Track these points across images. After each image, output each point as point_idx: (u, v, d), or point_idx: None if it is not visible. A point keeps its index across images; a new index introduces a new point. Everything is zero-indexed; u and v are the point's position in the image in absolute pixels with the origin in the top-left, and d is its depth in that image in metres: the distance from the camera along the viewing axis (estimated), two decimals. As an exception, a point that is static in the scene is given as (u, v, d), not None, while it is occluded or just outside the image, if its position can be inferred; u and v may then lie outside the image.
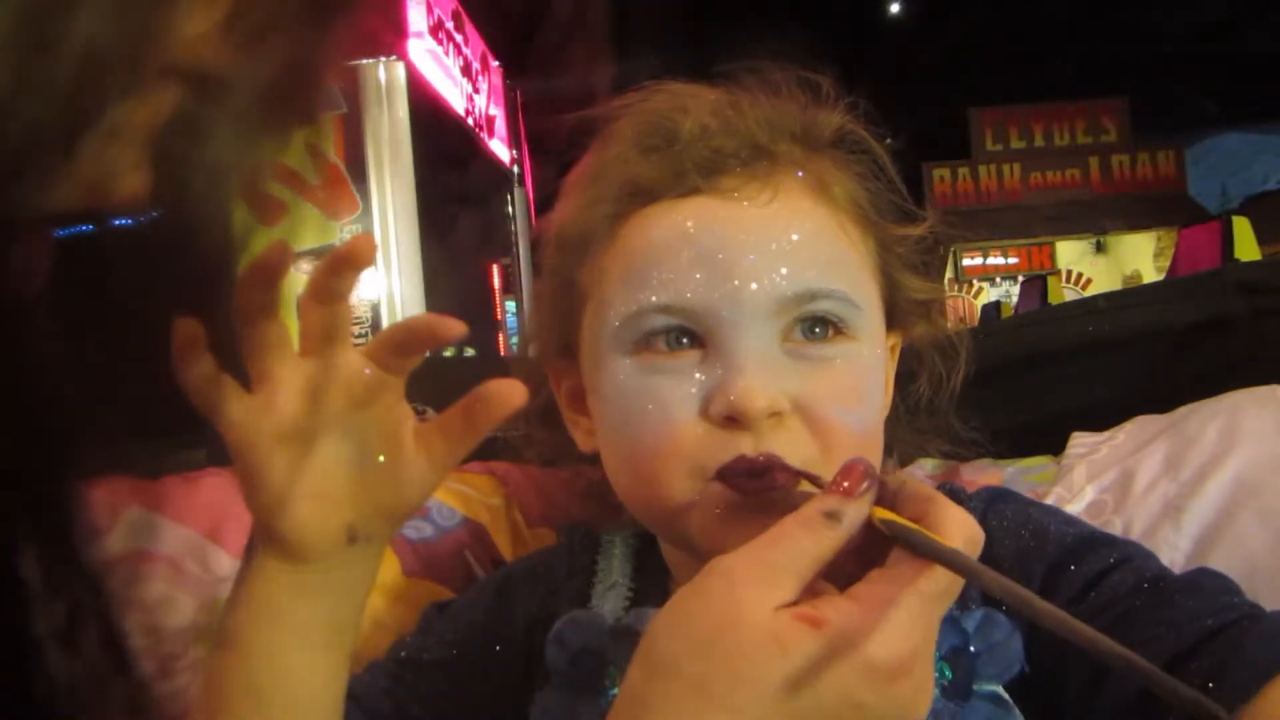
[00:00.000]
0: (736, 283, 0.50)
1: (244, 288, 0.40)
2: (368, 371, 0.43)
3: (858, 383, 0.51)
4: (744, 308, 0.49)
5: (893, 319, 0.58)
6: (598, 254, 0.55)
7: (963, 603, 0.51)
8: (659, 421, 0.50)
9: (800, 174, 0.54)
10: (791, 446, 0.49)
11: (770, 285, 0.50)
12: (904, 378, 0.62)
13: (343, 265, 0.41)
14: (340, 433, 0.43)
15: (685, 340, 0.51)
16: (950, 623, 0.48)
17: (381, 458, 0.43)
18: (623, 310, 0.52)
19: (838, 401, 0.50)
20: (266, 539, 0.43)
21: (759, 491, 0.48)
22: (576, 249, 0.56)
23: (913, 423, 0.64)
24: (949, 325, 0.63)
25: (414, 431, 0.44)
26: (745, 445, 0.48)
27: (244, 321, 0.41)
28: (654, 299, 0.51)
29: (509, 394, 0.42)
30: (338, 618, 0.45)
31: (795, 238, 0.51)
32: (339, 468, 0.43)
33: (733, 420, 0.48)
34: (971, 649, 0.48)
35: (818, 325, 0.51)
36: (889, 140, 0.59)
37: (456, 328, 0.41)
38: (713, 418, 0.49)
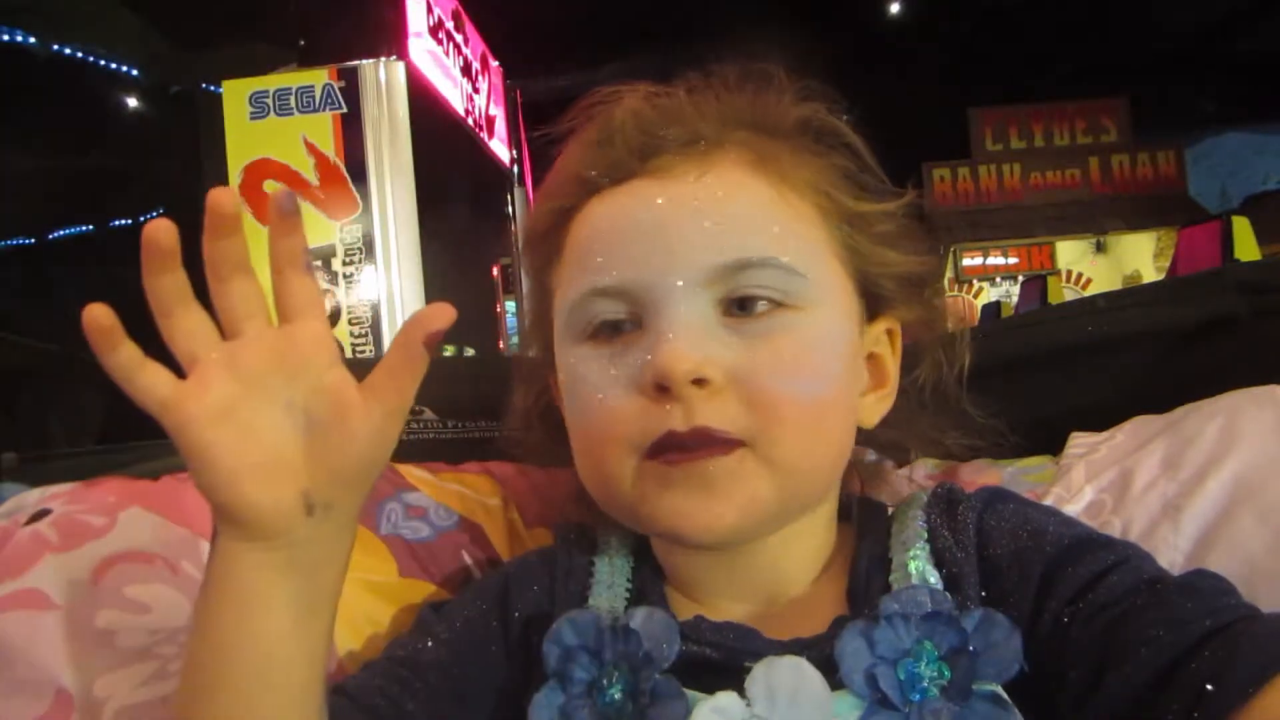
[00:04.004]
0: (667, 256, 0.51)
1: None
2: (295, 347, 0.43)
3: (801, 352, 0.51)
4: (674, 280, 0.51)
5: (880, 301, 0.58)
6: (556, 251, 0.57)
7: (961, 603, 0.51)
8: (601, 402, 0.52)
9: (738, 150, 0.54)
10: (724, 417, 0.49)
11: (700, 255, 0.51)
12: (906, 368, 0.62)
13: (216, 227, 0.41)
14: (279, 403, 0.42)
15: (631, 325, 0.52)
16: (949, 622, 0.48)
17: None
18: (569, 298, 0.54)
19: (778, 371, 0.50)
20: (224, 519, 0.42)
21: (686, 462, 0.49)
22: (541, 250, 0.59)
23: (925, 415, 0.63)
24: (947, 312, 0.62)
25: (359, 388, 0.43)
26: (675, 418, 0.49)
27: (161, 311, 0.41)
28: (593, 283, 0.52)
29: (436, 314, 0.42)
30: (310, 596, 0.44)
31: (727, 209, 0.52)
32: (281, 437, 0.42)
33: (663, 390, 0.49)
34: (970, 649, 0.47)
35: (758, 300, 0.51)
36: (845, 117, 0.59)
37: (445, 314, 0.42)
38: (644, 388, 0.50)
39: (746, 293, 0.51)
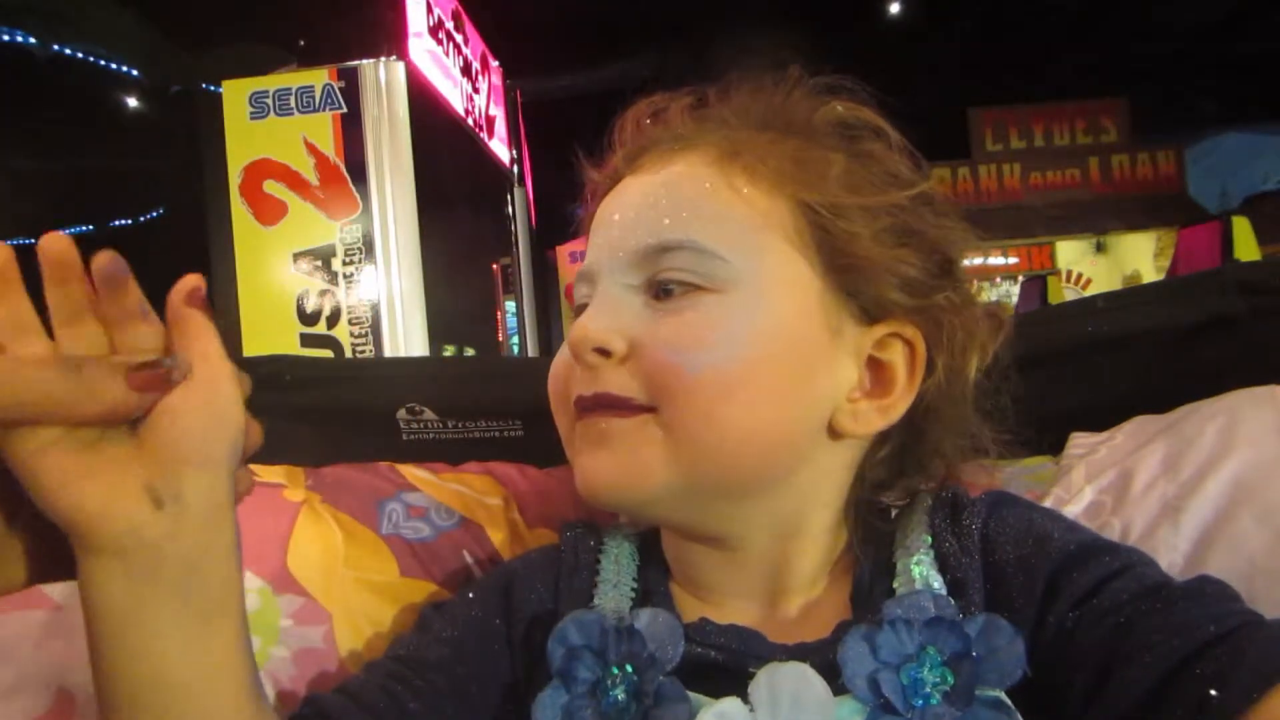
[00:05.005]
0: (607, 243, 0.56)
1: None
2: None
3: (704, 328, 0.52)
4: (606, 262, 0.56)
5: (881, 304, 0.55)
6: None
7: (965, 608, 0.50)
8: (554, 369, 0.58)
9: (711, 147, 0.56)
10: (627, 384, 0.53)
11: (628, 241, 0.55)
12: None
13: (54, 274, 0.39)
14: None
15: None
16: (952, 627, 0.48)
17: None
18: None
19: (674, 343, 0.52)
20: (74, 536, 0.39)
21: (589, 417, 0.53)
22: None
23: (938, 425, 0.59)
24: (969, 310, 0.58)
25: None
26: (583, 383, 0.54)
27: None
28: (578, 272, 0.59)
29: (185, 283, 0.41)
30: (194, 605, 0.40)
31: (662, 198, 0.55)
32: (107, 431, 0.39)
33: (579, 359, 0.54)
34: (973, 654, 0.47)
35: (675, 284, 0.53)
36: (873, 109, 0.60)
37: (192, 280, 0.41)
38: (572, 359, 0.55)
39: (665, 276, 0.54)
